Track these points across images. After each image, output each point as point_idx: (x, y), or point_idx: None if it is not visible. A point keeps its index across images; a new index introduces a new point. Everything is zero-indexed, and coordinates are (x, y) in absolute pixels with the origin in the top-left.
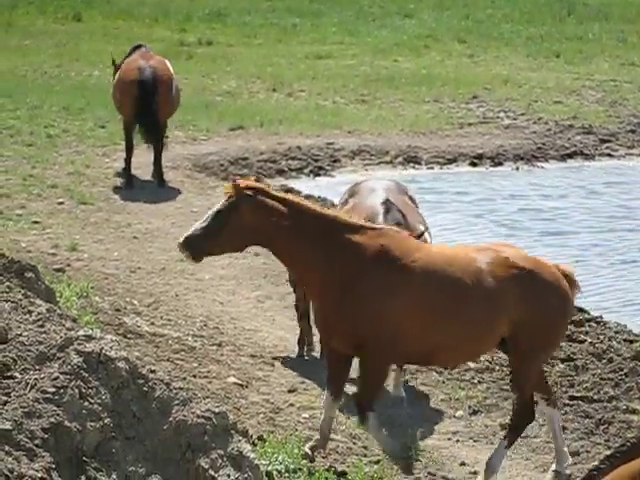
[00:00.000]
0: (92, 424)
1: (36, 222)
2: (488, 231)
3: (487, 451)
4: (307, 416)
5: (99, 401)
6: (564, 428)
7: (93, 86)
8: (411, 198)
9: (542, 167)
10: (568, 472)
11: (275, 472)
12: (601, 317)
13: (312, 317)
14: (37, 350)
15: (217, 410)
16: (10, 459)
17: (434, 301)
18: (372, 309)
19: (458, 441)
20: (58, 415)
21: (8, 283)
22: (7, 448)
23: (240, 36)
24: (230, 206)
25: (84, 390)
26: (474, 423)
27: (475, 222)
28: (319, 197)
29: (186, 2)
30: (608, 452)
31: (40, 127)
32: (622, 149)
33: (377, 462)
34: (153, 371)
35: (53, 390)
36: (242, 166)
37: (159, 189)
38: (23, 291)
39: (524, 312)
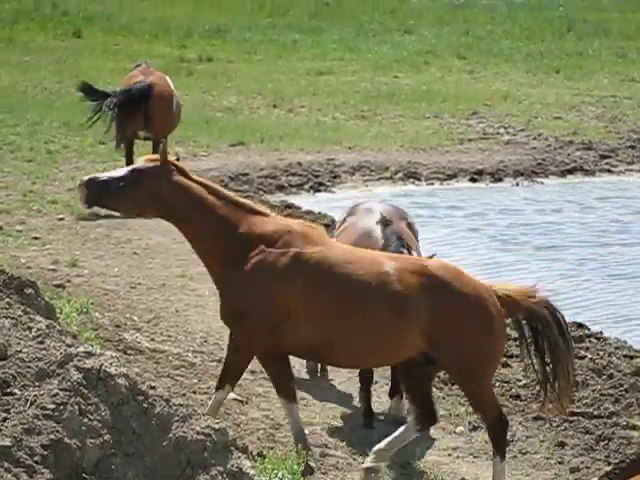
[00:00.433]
0: (92, 441)
1: (36, 238)
2: (483, 246)
3: (487, 467)
4: (307, 432)
5: (99, 418)
6: (564, 444)
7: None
8: (410, 225)
9: (542, 183)
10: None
11: None
12: (601, 333)
13: None
14: (37, 366)
15: (217, 426)
16: (9, 476)
17: (324, 295)
18: (256, 292)
19: (458, 457)
20: (58, 432)
21: (8, 299)
22: (6, 465)
23: (240, 52)
24: (152, 170)
25: (84, 407)
26: (474, 439)
27: (469, 237)
28: (319, 213)
29: (186, 18)
30: (608, 468)
31: (40, 143)
32: (622, 165)
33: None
34: (153, 387)
35: (53, 407)
36: (242, 182)
37: None
38: (23, 307)
39: (437, 325)
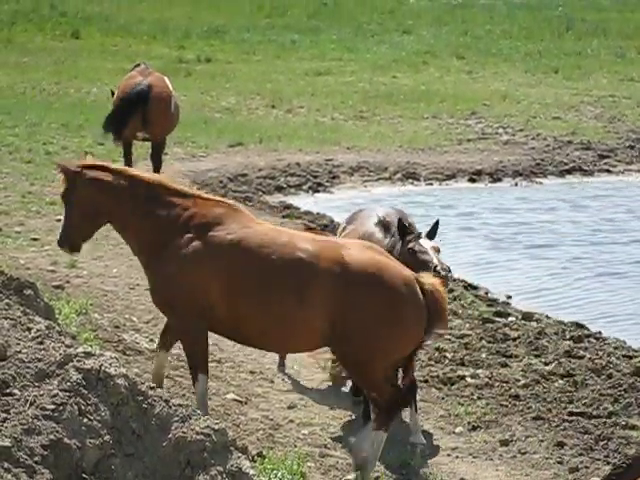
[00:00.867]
0: (91, 441)
1: (35, 239)
2: (474, 245)
3: (487, 467)
4: (306, 432)
5: (98, 418)
6: (563, 444)
7: (92, 103)
8: (410, 225)
9: (540, 183)
10: None
11: None
12: (600, 333)
13: None
14: (36, 367)
15: (216, 427)
16: (9, 476)
17: (237, 277)
18: (178, 279)
19: (457, 457)
20: (57, 432)
21: (7, 300)
22: (6, 465)
23: (239, 53)
24: (67, 191)
25: (83, 407)
26: (473, 439)
27: (460, 235)
28: (318, 213)
29: (184, 19)
30: (607, 468)
31: (39, 144)
32: (621, 165)
33: (377, 478)
34: (152, 388)
35: (52, 407)
36: (241, 182)
37: None
38: (22, 308)
39: (341, 313)
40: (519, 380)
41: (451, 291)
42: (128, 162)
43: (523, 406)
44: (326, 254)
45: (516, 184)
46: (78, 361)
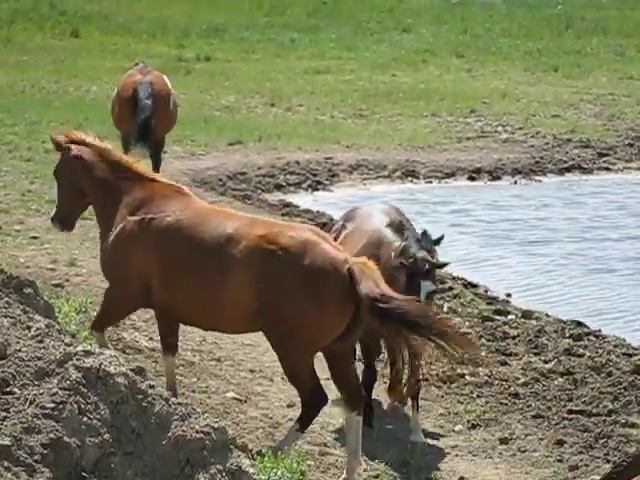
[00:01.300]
0: (91, 439)
1: (35, 237)
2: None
3: (486, 465)
4: (306, 431)
5: (98, 416)
6: (563, 442)
7: (91, 102)
8: (407, 221)
9: (540, 181)
10: None
11: None
12: (600, 331)
13: None
14: (36, 366)
15: (216, 425)
16: (9, 475)
17: (169, 256)
18: (116, 260)
19: (457, 455)
20: (57, 431)
21: (7, 299)
22: (6, 464)
23: (238, 51)
24: (59, 165)
25: (83, 405)
26: (473, 437)
27: (454, 231)
28: (317, 211)
29: (184, 18)
30: (607, 466)
31: (38, 142)
32: (620, 163)
33: (376, 477)
34: (152, 386)
35: (52, 406)
36: (240, 181)
37: None
38: (22, 307)
39: (265, 292)
40: (519, 378)
41: (450, 289)
42: None
43: (523, 404)
44: (255, 233)
45: (515, 182)
46: (78, 359)
